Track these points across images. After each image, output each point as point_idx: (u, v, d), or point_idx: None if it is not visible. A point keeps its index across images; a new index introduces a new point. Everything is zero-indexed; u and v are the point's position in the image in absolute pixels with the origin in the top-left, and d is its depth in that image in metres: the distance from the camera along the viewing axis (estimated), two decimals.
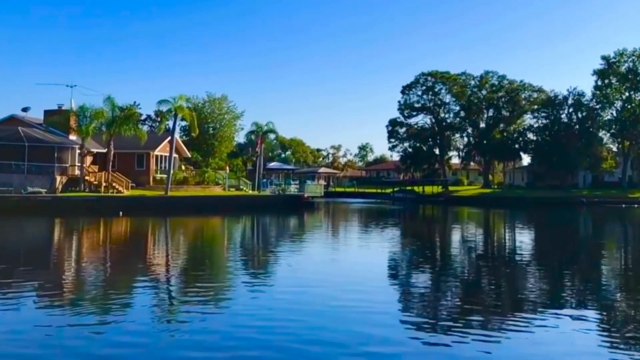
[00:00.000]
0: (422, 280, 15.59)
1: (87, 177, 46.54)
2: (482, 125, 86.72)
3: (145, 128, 70.79)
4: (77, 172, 46.59)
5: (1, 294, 12.50)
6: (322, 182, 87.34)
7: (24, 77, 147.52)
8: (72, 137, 48.36)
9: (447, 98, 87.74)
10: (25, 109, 51.93)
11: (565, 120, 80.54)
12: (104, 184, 45.64)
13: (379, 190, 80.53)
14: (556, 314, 10.78)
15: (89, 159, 49.39)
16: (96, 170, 48.45)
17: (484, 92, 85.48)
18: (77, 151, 46.93)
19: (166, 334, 9.44)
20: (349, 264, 18.31)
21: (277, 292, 13.04)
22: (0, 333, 9.27)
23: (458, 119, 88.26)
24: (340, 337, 9.04)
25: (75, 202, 41.42)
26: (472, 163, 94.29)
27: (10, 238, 25.93)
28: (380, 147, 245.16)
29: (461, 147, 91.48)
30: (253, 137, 66.91)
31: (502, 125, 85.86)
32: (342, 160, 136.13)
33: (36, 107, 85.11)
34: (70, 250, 21.82)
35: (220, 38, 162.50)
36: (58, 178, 44.96)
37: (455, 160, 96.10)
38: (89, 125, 45.91)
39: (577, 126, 79.11)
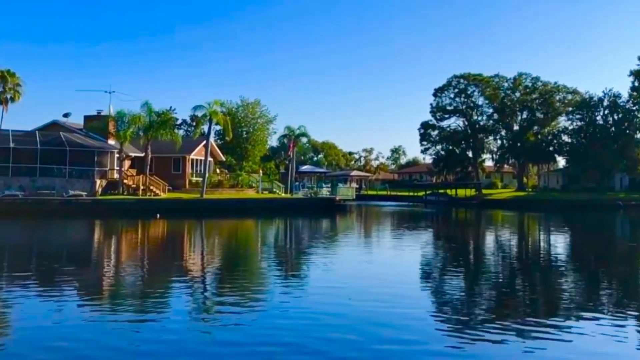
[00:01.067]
0: (453, 283, 15.57)
1: (125, 181, 47.77)
2: (516, 127, 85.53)
3: (181, 132, 72.08)
4: (116, 175, 47.90)
5: (45, 291, 13.29)
6: (354, 185, 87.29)
7: (64, 84, 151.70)
8: (111, 141, 49.72)
9: (480, 100, 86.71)
10: (66, 115, 53.72)
11: (601, 122, 78.76)
12: (141, 187, 46.81)
13: (411, 193, 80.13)
14: (593, 318, 10.62)
15: (127, 163, 50.70)
16: (134, 174, 49.69)
17: (517, 94, 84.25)
18: (116, 155, 48.22)
19: (200, 331, 9.91)
20: (380, 266, 18.51)
21: (308, 292, 13.42)
22: (43, 327, 9.89)
23: (491, 121, 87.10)
24: (366, 338, 9.29)
25: (114, 204, 42.69)
26: (505, 166, 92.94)
27: (53, 239, 27.00)
28: (413, 150, 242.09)
29: (494, 149, 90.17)
30: (285, 140, 67.67)
31: (536, 127, 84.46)
32: (374, 164, 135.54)
33: (76, 113, 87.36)
34: (110, 251, 22.72)
35: (254, 45, 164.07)
36: (98, 181, 46.37)
37: (488, 163, 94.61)
38: (127, 130, 47.15)
39: (613, 128, 77.35)
